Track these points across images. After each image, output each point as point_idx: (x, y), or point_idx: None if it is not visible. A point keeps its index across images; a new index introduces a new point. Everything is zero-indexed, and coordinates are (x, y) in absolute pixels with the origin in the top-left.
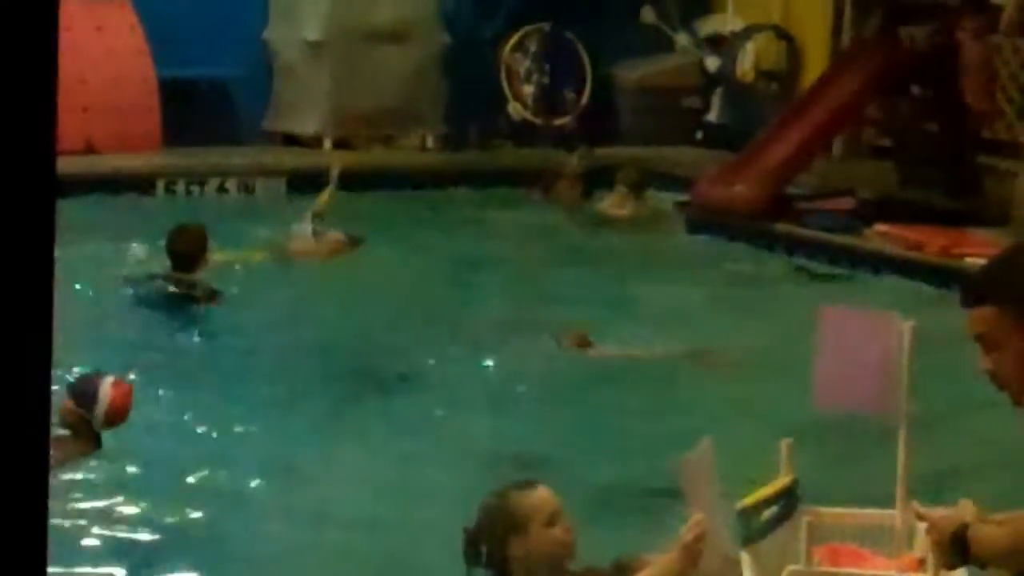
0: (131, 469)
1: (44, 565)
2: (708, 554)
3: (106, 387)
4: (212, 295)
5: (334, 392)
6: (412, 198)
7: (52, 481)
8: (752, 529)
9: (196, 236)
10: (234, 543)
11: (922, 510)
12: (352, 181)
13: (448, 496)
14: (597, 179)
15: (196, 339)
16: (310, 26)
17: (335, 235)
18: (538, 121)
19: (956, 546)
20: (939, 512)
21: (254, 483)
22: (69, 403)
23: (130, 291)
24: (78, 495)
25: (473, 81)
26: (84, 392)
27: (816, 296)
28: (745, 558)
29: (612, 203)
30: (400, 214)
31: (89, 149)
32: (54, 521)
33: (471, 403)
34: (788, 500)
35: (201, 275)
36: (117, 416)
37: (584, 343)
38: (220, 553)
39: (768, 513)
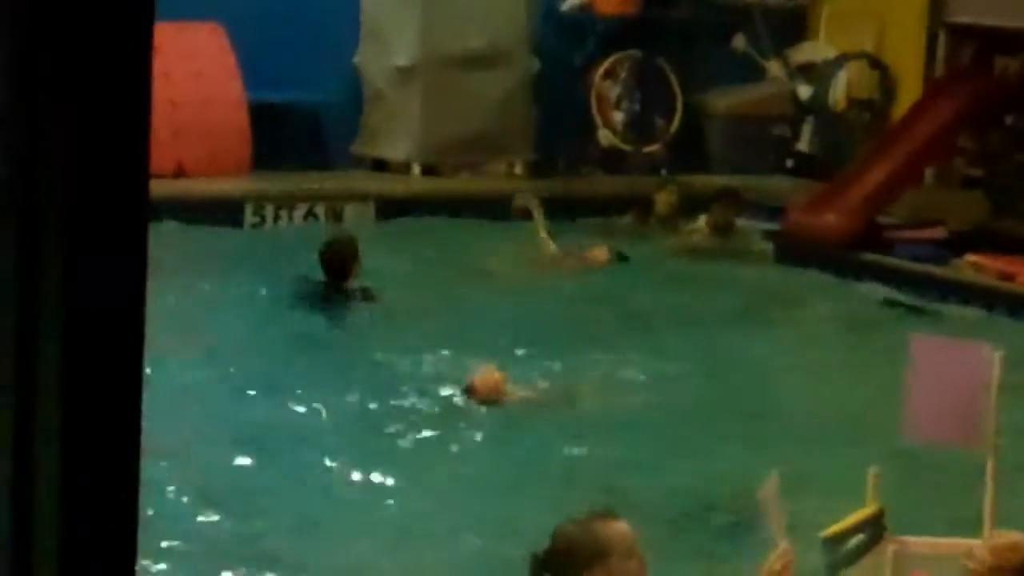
0: None
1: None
2: None
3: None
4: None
5: None
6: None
7: None
8: (838, 557)
9: (347, 246)
10: None
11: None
12: (440, 207)
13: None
14: (686, 206)
15: None
16: (400, 51)
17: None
18: (627, 148)
19: None
20: (1013, 539)
21: None
22: None
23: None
24: None
25: (562, 107)
26: None
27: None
28: None
29: (695, 234)
30: (482, 240)
31: (179, 172)
32: None
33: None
34: (874, 529)
35: (354, 283)
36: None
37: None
38: None
39: (854, 541)
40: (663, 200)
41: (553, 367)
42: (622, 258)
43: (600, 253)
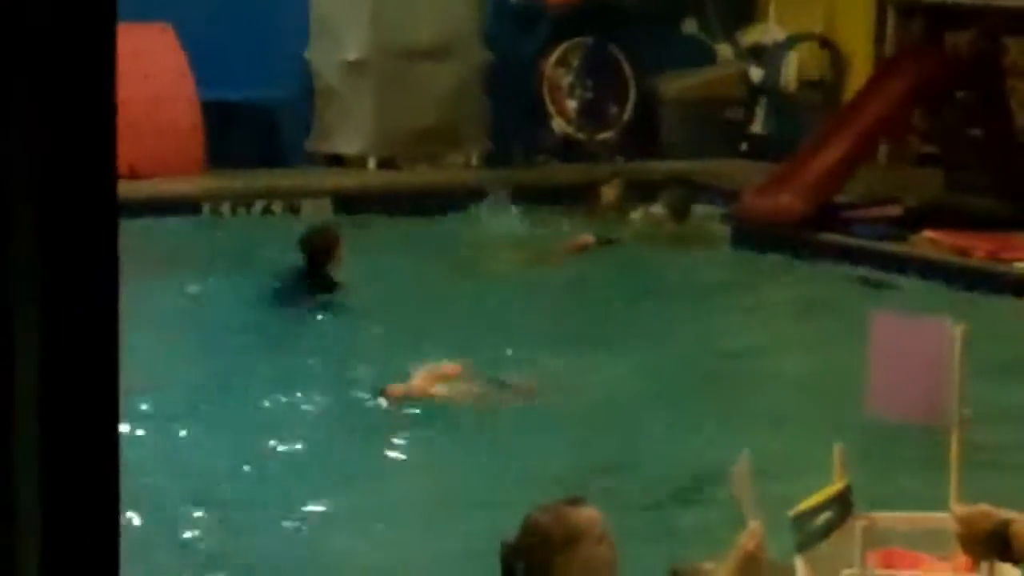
0: None
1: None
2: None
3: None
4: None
5: None
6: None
7: None
8: (806, 535)
9: (327, 235)
10: None
11: (960, 508)
12: (397, 200)
13: None
14: (640, 193)
15: None
16: (350, 46)
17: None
18: (581, 136)
19: (995, 542)
20: (981, 508)
21: None
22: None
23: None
24: None
25: (516, 97)
26: None
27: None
28: (799, 564)
29: (648, 219)
30: (443, 236)
31: (132, 174)
32: None
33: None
34: (842, 505)
35: (334, 270)
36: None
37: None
38: None
39: (822, 519)
40: (607, 193)
41: (525, 360)
42: (606, 242)
43: (586, 239)
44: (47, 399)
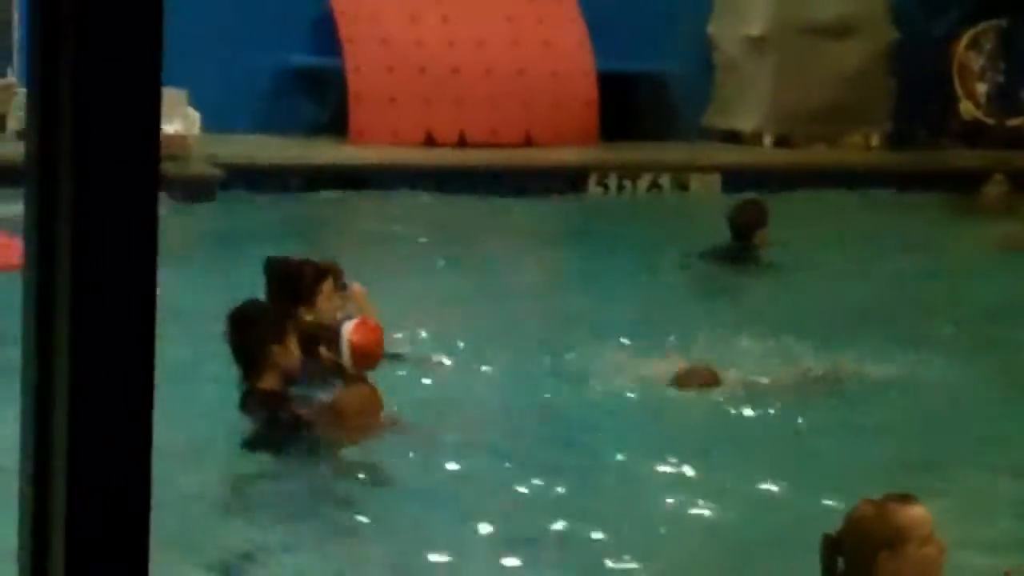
0: None
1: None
2: None
3: (347, 330)
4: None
5: None
6: (856, 199)
7: None
8: None
9: (756, 209)
10: None
11: None
12: (793, 179)
13: None
14: None
15: None
16: (753, 21)
17: None
18: (990, 121)
19: None
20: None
21: None
22: (324, 352)
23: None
24: None
25: (922, 79)
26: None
27: None
28: None
29: None
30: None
31: (528, 142)
32: None
33: None
34: None
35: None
36: (363, 359)
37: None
38: None
39: None
40: (989, 192)
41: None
42: None
43: None
44: (77, 389)
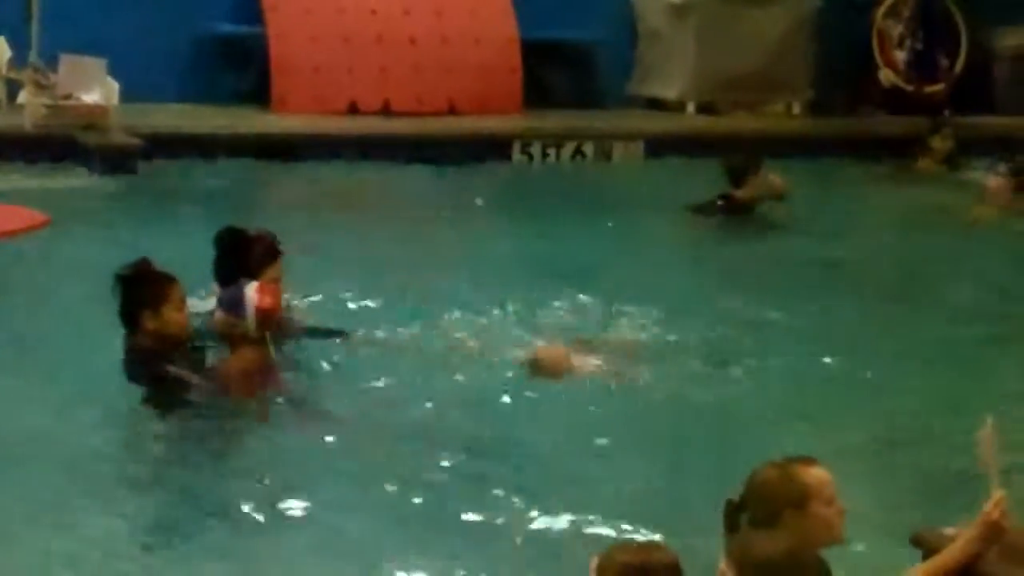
0: None
1: None
2: None
3: (251, 292)
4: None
5: None
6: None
7: None
8: None
9: (749, 156)
10: None
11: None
12: (715, 147)
13: None
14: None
15: None
16: None
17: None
18: (909, 88)
19: None
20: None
21: None
22: (221, 314)
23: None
24: None
25: (842, 46)
26: (232, 301)
27: None
28: None
29: (989, 189)
30: None
31: (451, 110)
32: None
33: None
34: None
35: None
36: (267, 319)
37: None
38: None
39: None
40: (938, 143)
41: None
42: None
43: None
44: None
